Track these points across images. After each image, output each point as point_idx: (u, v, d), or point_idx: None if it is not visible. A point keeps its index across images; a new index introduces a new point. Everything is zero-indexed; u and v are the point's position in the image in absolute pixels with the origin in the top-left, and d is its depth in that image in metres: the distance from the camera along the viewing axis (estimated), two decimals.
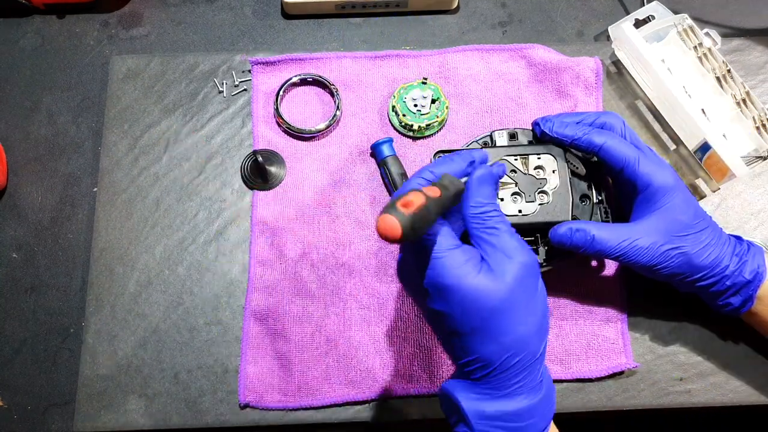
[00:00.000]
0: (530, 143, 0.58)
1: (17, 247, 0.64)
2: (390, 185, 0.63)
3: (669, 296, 0.60)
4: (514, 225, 0.55)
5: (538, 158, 0.56)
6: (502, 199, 0.56)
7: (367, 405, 0.59)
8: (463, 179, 0.47)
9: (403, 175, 0.63)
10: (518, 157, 0.56)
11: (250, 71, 0.68)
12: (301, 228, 0.63)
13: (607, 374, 0.59)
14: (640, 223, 0.52)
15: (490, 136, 0.60)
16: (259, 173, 0.64)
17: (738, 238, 0.55)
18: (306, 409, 0.58)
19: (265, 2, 0.73)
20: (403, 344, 0.60)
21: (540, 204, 0.55)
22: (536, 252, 0.56)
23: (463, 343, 0.45)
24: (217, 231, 0.63)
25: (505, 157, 0.56)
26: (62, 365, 0.61)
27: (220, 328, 0.61)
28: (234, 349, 0.60)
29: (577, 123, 0.56)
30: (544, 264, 0.57)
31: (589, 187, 0.57)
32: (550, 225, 0.55)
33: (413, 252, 0.45)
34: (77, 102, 0.69)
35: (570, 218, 0.55)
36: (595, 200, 0.57)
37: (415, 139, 0.66)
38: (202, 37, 0.72)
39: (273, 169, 0.64)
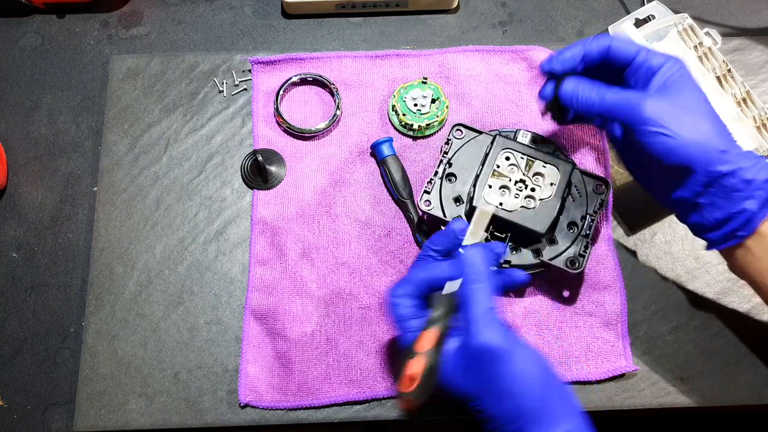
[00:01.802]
0: (547, 153, 0.58)
1: (17, 247, 0.64)
2: (390, 185, 0.63)
3: (669, 297, 0.60)
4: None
5: (544, 166, 0.57)
6: (490, 186, 0.56)
7: (367, 404, 0.59)
8: (456, 282, 0.47)
9: (404, 175, 0.63)
10: (525, 157, 0.57)
11: (250, 71, 0.68)
12: (301, 228, 0.63)
13: (606, 377, 0.58)
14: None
15: (516, 132, 0.61)
16: (259, 173, 0.64)
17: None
18: (306, 408, 0.58)
19: (265, 2, 0.73)
20: None
21: (522, 207, 0.56)
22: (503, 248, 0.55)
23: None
24: (217, 230, 0.63)
25: (513, 151, 0.57)
26: (62, 365, 0.61)
27: (220, 328, 0.61)
28: (234, 348, 0.60)
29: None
30: (528, 267, 0.57)
31: (582, 218, 0.58)
32: (522, 228, 0.55)
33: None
34: (77, 101, 0.69)
35: (544, 232, 0.55)
36: (583, 233, 0.57)
37: (415, 138, 0.66)
38: (202, 36, 0.72)
39: (273, 168, 0.64)
